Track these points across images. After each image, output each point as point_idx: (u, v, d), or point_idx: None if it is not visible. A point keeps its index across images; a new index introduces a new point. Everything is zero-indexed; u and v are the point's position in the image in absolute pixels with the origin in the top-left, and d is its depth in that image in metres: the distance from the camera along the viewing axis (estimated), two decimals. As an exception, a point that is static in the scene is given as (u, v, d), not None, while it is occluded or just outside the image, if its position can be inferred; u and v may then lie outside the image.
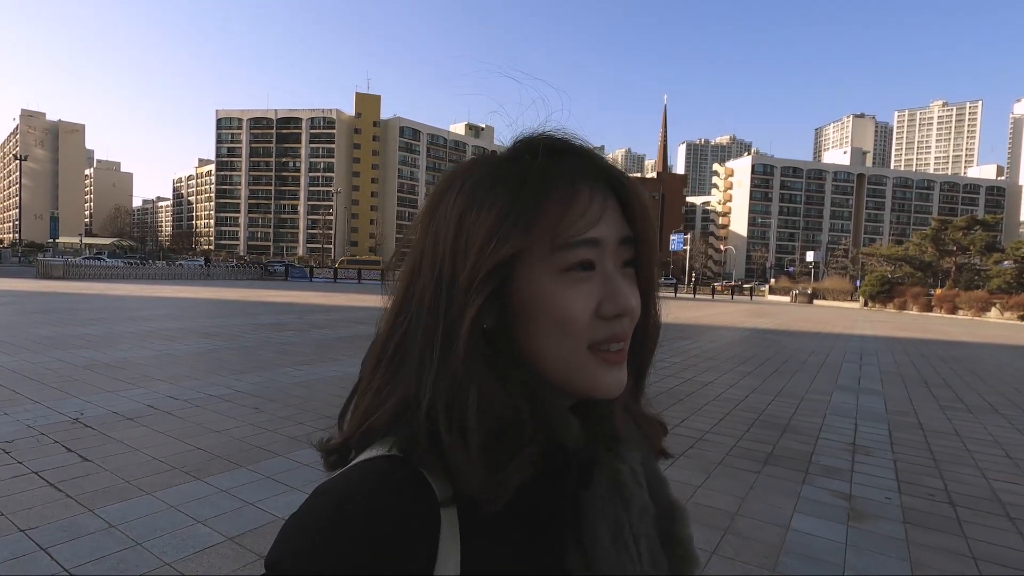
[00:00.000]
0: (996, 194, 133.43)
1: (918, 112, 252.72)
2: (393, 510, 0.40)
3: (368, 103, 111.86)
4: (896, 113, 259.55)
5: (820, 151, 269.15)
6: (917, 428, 5.96)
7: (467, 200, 0.44)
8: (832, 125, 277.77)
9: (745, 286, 58.65)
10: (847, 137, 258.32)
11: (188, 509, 3.12)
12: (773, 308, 33.70)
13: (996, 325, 28.03)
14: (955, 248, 46.49)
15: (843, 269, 65.36)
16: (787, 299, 46.78)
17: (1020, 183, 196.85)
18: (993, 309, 33.83)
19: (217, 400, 5.54)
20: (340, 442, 0.48)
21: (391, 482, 0.41)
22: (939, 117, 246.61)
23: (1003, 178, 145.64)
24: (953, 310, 35.35)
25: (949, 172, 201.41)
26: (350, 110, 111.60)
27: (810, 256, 59.79)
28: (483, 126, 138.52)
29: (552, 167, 0.45)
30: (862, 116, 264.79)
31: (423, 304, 0.44)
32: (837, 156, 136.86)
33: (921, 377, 9.52)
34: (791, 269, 60.87)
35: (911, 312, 37.04)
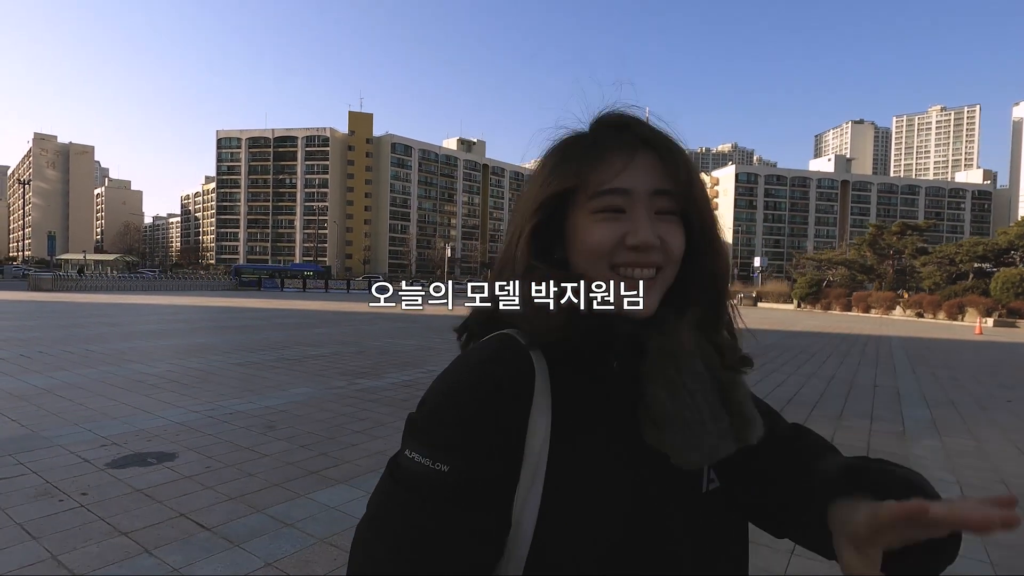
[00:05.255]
0: (982, 198, 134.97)
1: (916, 117, 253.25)
2: (500, 359, 0.59)
3: (361, 121, 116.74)
4: (894, 118, 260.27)
5: (821, 157, 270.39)
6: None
7: (535, 170, 0.67)
8: (832, 131, 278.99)
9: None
10: (846, 143, 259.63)
11: (-13, 381, 6.62)
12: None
13: (881, 321, 30.75)
14: (891, 252, 49.21)
15: (814, 271, 67.59)
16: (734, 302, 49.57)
17: (1022, 184, 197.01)
18: (898, 307, 36.66)
19: (61, 351, 9.07)
20: (462, 324, 0.68)
21: (498, 346, 0.60)
22: (937, 122, 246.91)
23: (988, 182, 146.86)
24: (867, 309, 38.23)
25: (948, 177, 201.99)
26: (344, 128, 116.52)
27: (756, 262, 62.57)
28: (475, 140, 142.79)
29: (589, 139, 0.64)
30: (861, 122, 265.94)
31: (507, 242, 0.67)
32: (822, 164, 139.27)
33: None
34: (756, 275, 63.64)
35: (833, 312, 39.92)
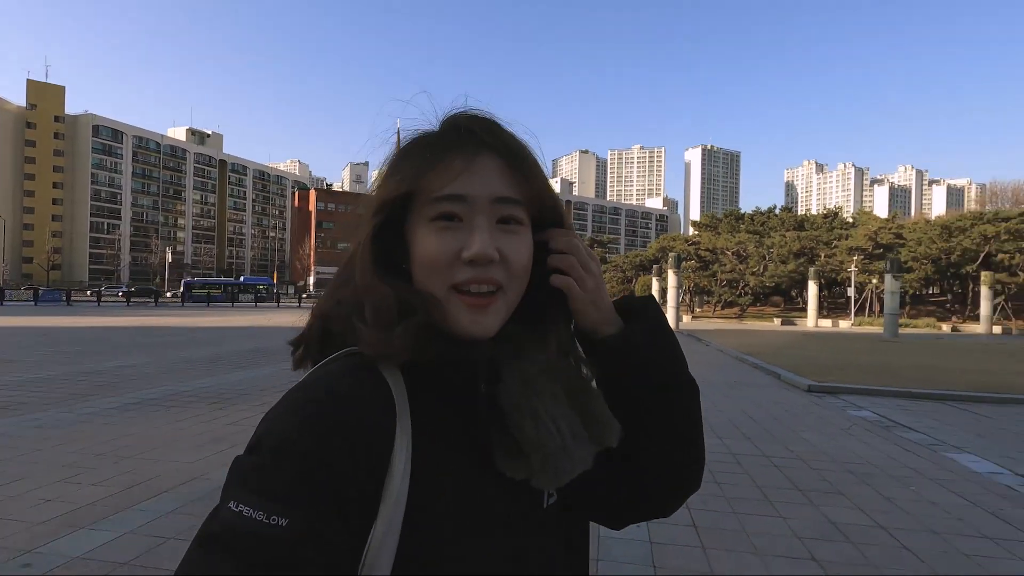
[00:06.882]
0: (663, 220, 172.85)
1: (623, 152, 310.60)
2: (355, 387, 0.51)
3: (47, 94, 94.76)
4: (609, 151, 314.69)
5: (557, 178, 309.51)
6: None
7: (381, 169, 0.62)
8: (565, 158, 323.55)
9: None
10: (576, 169, 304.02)
11: None
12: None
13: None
14: (584, 261, 60.18)
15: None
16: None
17: (692, 210, 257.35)
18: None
19: None
20: (300, 335, 0.60)
21: (351, 371, 0.53)
22: (638, 157, 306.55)
23: (666, 208, 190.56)
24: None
25: (646, 202, 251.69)
26: (21, 100, 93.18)
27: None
28: (209, 132, 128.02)
29: (430, 140, 0.58)
30: (586, 152, 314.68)
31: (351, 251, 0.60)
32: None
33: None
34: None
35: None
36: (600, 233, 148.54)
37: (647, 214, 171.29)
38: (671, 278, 27.22)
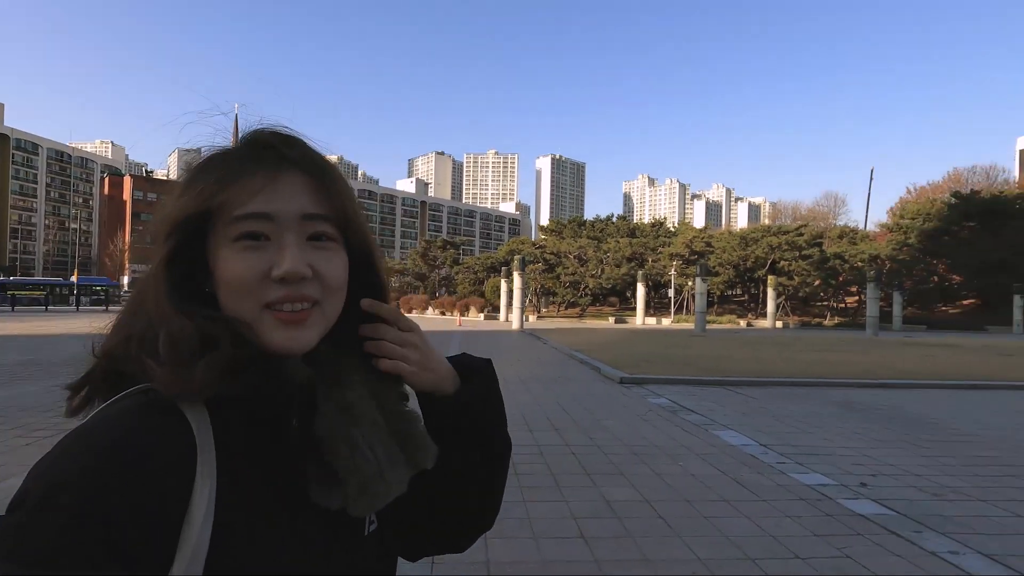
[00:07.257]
0: (515, 224, 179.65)
1: (479, 156, 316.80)
2: (143, 427, 0.47)
3: None
4: (465, 154, 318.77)
5: (413, 177, 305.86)
6: None
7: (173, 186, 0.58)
8: (421, 158, 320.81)
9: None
10: (432, 170, 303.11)
11: None
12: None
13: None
14: (437, 262, 60.47)
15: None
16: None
17: (542, 215, 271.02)
18: (430, 308, 45.17)
19: None
20: (82, 378, 0.53)
21: (138, 409, 0.48)
22: (493, 162, 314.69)
23: (518, 212, 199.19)
24: (410, 310, 45.49)
25: (500, 206, 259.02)
26: None
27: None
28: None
29: (229, 156, 0.56)
30: (442, 153, 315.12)
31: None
32: (406, 185, 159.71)
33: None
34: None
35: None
36: (455, 235, 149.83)
37: (501, 217, 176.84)
38: (516, 280, 28.34)
